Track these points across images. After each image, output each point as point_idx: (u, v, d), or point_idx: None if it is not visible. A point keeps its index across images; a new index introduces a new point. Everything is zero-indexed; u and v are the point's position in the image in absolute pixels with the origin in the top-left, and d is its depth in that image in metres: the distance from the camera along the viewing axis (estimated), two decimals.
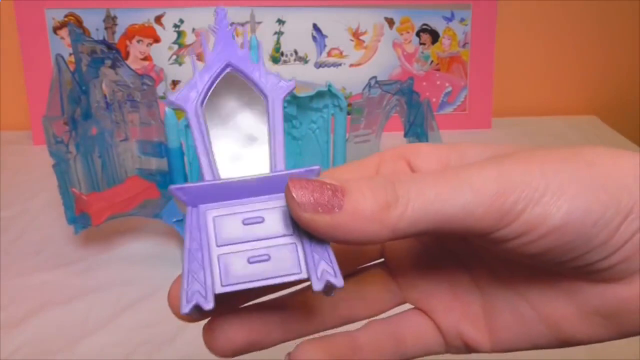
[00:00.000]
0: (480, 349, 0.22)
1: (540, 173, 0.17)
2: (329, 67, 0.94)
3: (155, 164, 0.60)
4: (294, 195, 0.17)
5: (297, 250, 0.19)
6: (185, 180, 0.59)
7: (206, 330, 0.20)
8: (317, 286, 0.18)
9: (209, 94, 0.21)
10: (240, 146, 0.21)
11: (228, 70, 0.21)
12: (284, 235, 0.19)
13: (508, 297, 0.21)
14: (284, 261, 0.18)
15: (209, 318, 0.20)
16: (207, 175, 0.20)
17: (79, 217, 0.57)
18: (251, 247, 0.19)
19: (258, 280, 0.18)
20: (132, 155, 0.61)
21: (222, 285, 0.18)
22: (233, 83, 0.21)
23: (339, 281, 0.18)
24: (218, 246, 0.19)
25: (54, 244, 0.63)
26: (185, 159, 0.58)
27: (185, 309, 0.18)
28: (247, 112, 0.21)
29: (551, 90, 1.05)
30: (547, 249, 0.18)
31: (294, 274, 0.18)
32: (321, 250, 0.18)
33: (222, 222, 0.19)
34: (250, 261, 0.18)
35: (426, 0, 0.94)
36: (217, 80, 0.21)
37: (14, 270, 0.59)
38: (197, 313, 0.18)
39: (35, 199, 0.73)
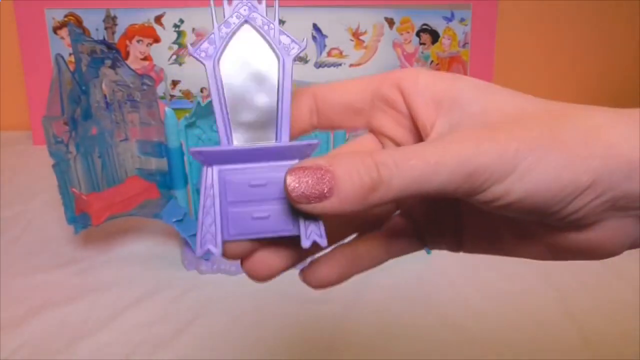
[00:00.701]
0: (450, 251, 0.27)
1: (513, 154, 0.19)
2: (329, 67, 0.94)
3: (155, 164, 0.60)
4: (289, 191, 0.20)
5: (291, 212, 0.22)
6: (185, 180, 0.59)
7: (246, 262, 0.23)
8: (306, 243, 0.21)
9: (227, 49, 0.22)
10: (253, 102, 0.22)
11: (246, 24, 0.22)
12: (281, 198, 0.22)
13: (484, 232, 0.25)
14: (280, 220, 0.22)
15: (248, 254, 0.23)
16: (223, 137, 0.22)
17: (79, 217, 0.57)
18: (255, 206, 0.22)
19: (258, 233, 0.22)
20: (132, 155, 0.61)
21: (229, 235, 0.22)
22: (250, 39, 0.22)
23: (323, 241, 0.21)
24: (228, 203, 0.22)
25: (54, 244, 0.63)
26: (185, 158, 0.58)
27: (199, 252, 0.21)
28: (260, 69, 0.22)
29: (551, 90, 1.05)
30: (510, 211, 0.21)
31: (287, 230, 0.22)
32: (312, 215, 0.21)
33: (233, 183, 0.22)
34: (253, 217, 0.22)
35: (426, 1, 0.94)
36: (235, 35, 0.22)
37: (14, 270, 0.59)
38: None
39: (35, 199, 0.74)
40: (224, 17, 0.22)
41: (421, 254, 0.66)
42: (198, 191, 0.59)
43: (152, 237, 0.64)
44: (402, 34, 0.95)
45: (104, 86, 0.58)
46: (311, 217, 0.21)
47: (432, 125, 0.23)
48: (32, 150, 0.91)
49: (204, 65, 0.22)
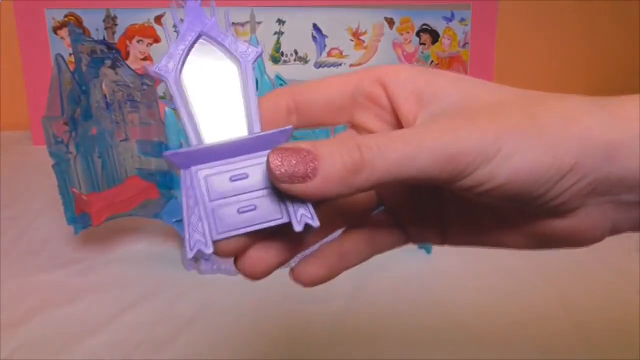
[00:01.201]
0: (434, 244, 0.27)
1: (494, 138, 0.20)
2: (329, 67, 0.94)
3: (155, 163, 0.60)
4: (273, 169, 0.20)
5: (278, 199, 0.22)
6: None
7: (240, 260, 0.23)
8: (298, 227, 0.21)
9: (186, 62, 0.23)
10: (219, 108, 0.23)
11: (201, 39, 0.23)
12: (266, 188, 0.22)
13: (468, 224, 0.25)
14: (268, 209, 0.22)
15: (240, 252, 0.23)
16: (194, 140, 0.22)
17: (79, 217, 0.57)
18: (239, 199, 0.22)
19: (248, 226, 0.21)
20: (132, 155, 0.61)
21: (218, 233, 0.21)
22: (207, 50, 0.23)
23: (315, 222, 0.21)
24: (211, 201, 0.22)
25: (54, 244, 0.63)
26: None
27: (190, 255, 0.21)
28: (221, 76, 0.23)
29: (551, 89, 1.05)
30: (493, 197, 0.21)
31: (277, 219, 0.22)
32: (299, 199, 0.21)
33: (212, 180, 0.22)
34: (239, 211, 0.21)
35: (426, 1, 0.94)
36: (192, 49, 0.23)
37: (14, 270, 0.59)
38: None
39: (35, 199, 0.74)
40: (179, 32, 0.23)
41: (421, 253, 0.66)
42: None
43: (152, 237, 0.64)
44: (402, 34, 0.95)
45: (104, 86, 0.58)
46: (299, 201, 0.21)
47: (414, 118, 0.23)
48: (32, 150, 0.91)
49: (165, 79, 0.23)
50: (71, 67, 0.55)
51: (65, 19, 0.90)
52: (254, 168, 0.22)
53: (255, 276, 0.23)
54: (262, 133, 0.22)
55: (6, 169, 0.83)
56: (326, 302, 0.54)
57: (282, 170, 0.20)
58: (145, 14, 0.91)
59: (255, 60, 0.23)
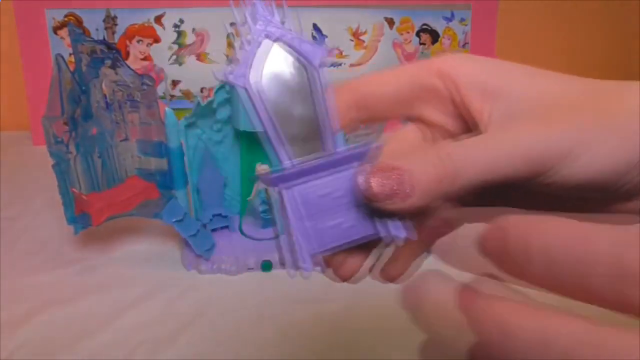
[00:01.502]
0: None
1: (573, 138, 0.21)
2: (328, 67, 0.94)
3: (155, 163, 0.60)
4: (366, 190, 0.20)
5: (367, 214, 0.22)
6: (185, 180, 0.59)
7: (340, 269, 0.25)
8: (391, 241, 0.22)
9: (254, 67, 0.22)
10: (294, 115, 0.23)
11: (268, 41, 0.22)
12: (353, 204, 0.22)
13: (532, 207, 0.26)
14: (360, 224, 0.22)
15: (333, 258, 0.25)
16: (285, 160, 0.22)
17: (79, 217, 0.57)
18: (332, 215, 0.22)
19: (342, 241, 0.22)
20: (132, 155, 0.61)
21: (316, 249, 0.22)
22: (276, 54, 0.22)
23: (413, 235, 0.22)
24: (305, 217, 0.22)
25: (54, 244, 0.63)
26: (185, 158, 0.58)
27: (293, 274, 0.22)
28: (291, 81, 0.23)
29: None
30: (572, 190, 0.22)
31: (369, 234, 0.22)
32: (391, 212, 0.22)
33: (306, 197, 0.22)
34: (333, 226, 0.22)
35: (426, 1, 0.94)
36: (260, 53, 0.22)
37: (14, 270, 0.59)
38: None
39: (35, 199, 0.74)
40: (251, 36, 0.22)
41: None
42: (198, 191, 0.59)
43: (152, 237, 0.64)
44: (402, 34, 0.95)
45: (104, 86, 0.58)
46: (390, 214, 0.22)
47: (481, 113, 0.23)
48: (32, 150, 0.91)
49: (245, 89, 0.22)
50: (71, 67, 0.55)
51: (65, 19, 0.90)
52: (344, 183, 0.22)
53: (346, 280, 0.25)
54: (351, 151, 0.22)
55: (6, 169, 0.83)
56: (326, 302, 0.54)
57: (375, 191, 0.20)
58: (145, 14, 0.91)
59: (321, 62, 0.23)
